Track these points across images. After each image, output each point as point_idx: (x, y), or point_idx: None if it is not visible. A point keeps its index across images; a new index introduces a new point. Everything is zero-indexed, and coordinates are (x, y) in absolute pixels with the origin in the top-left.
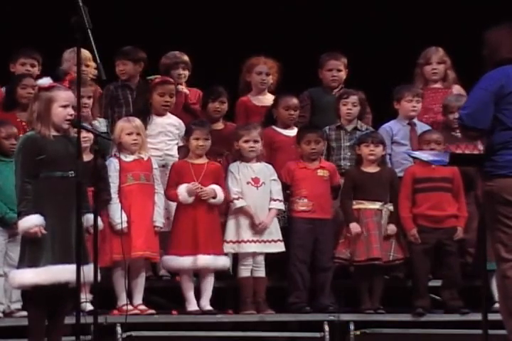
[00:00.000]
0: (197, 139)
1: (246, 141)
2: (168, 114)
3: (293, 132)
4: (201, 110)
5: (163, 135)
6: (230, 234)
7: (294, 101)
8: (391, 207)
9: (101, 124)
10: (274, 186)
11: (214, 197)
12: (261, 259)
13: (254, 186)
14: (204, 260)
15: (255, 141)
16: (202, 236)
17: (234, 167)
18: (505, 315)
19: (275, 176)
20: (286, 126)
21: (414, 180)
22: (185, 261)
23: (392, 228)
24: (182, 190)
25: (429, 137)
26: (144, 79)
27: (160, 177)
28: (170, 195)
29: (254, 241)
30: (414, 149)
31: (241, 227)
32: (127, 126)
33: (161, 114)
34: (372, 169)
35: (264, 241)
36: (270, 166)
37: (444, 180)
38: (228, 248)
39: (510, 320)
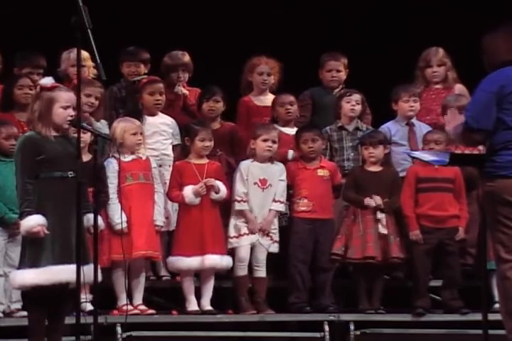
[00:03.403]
0: (202, 140)
1: (265, 140)
2: (160, 114)
3: (292, 131)
4: (197, 110)
5: (158, 135)
6: (232, 231)
7: (289, 97)
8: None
9: (103, 126)
10: (279, 187)
11: (217, 193)
12: (262, 259)
13: (261, 188)
14: (211, 260)
15: (273, 142)
16: (208, 236)
17: (244, 166)
18: (505, 316)
19: (284, 176)
20: (287, 124)
21: (417, 179)
22: (192, 262)
23: (382, 229)
24: (188, 192)
25: (430, 137)
26: (131, 81)
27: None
28: (174, 197)
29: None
30: (412, 149)
31: (241, 226)
32: (131, 126)
33: (152, 114)
34: (375, 168)
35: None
36: (282, 165)
37: (446, 181)
38: (231, 243)
39: (510, 320)
